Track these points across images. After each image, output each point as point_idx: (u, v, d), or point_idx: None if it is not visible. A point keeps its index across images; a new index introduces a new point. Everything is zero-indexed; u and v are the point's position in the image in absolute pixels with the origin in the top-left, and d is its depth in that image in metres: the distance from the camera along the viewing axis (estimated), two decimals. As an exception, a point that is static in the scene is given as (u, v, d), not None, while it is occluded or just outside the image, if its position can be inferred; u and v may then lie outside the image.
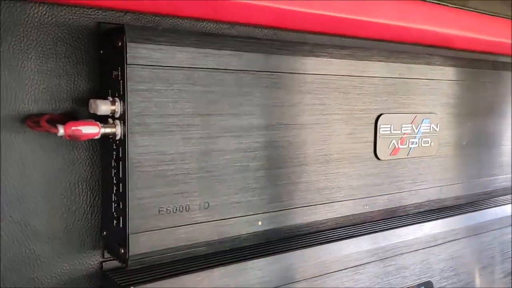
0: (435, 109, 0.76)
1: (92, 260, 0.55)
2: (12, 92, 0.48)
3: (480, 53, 0.90)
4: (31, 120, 0.49)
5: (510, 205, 0.92)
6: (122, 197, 0.49)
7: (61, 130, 0.46)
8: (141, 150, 0.49)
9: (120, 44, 0.47)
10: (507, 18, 0.87)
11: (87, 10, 0.52)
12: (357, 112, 0.66)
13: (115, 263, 0.56)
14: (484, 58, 0.89)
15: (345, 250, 0.66)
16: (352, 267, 0.67)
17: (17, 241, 0.50)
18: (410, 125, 0.72)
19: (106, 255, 0.55)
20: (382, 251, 0.70)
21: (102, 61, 0.52)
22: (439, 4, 0.76)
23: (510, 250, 0.92)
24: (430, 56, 0.75)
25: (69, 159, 0.52)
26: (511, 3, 0.87)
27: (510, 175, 0.90)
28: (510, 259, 0.93)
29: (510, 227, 0.91)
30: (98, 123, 0.48)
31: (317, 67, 0.61)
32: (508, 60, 0.93)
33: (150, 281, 0.51)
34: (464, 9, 0.80)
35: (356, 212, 0.68)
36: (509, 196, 0.94)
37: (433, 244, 0.77)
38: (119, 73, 0.48)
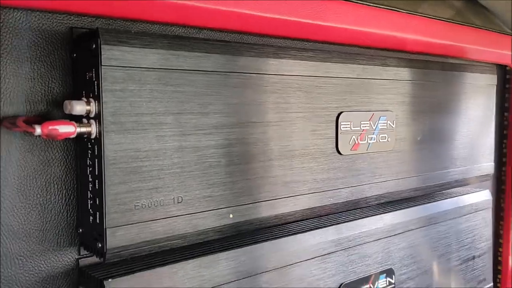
0: (390, 107, 0.81)
1: (69, 257, 0.56)
2: (-13, 95, 0.49)
3: (430, 55, 0.97)
4: (7, 121, 0.50)
5: (463, 196, 0.99)
6: (99, 193, 0.51)
7: (38, 130, 0.48)
8: (116, 148, 0.51)
9: (94, 46, 0.50)
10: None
11: (59, 16, 0.54)
12: (319, 110, 0.70)
13: (91, 260, 0.57)
14: (435, 60, 0.96)
15: (312, 241, 0.70)
16: (319, 256, 0.71)
17: (-6, 240, 0.51)
18: (369, 122, 0.77)
19: (82, 252, 0.57)
20: (346, 241, 0.75)
21: (75, 64, 0.54)
22: (393, 10, 0.82)
23: (465, 238, 0.99)
24: (385, 57, 0.81)
25: (44, 159, 0.54)
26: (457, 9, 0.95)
27: (462, 168, 0.97)
28: (466, 247, 0.99)
29: (463, 217, 0.98)
30: (74, 122, 0.51)
31: (281, 68, 0.65)
32: (455, 61, 1.01)
33: (126, 274, 0.53)
34: (416, 14, 0.87)
35: (322, 204, 0.72)
36: (461, 188, 1.02)
37: (393, 234, 0.83)
38: (94, 74, 0.50)
